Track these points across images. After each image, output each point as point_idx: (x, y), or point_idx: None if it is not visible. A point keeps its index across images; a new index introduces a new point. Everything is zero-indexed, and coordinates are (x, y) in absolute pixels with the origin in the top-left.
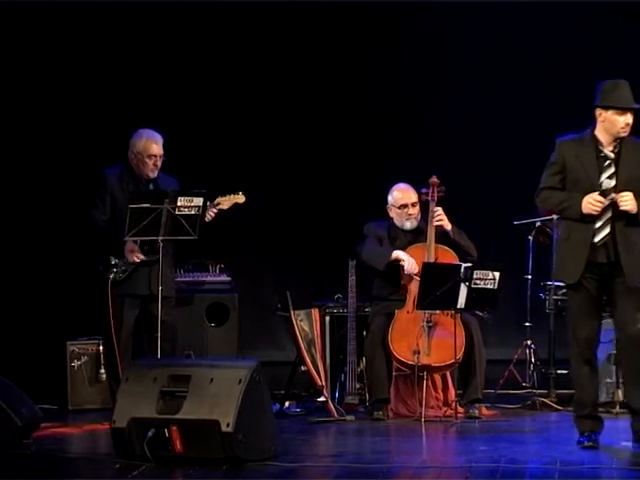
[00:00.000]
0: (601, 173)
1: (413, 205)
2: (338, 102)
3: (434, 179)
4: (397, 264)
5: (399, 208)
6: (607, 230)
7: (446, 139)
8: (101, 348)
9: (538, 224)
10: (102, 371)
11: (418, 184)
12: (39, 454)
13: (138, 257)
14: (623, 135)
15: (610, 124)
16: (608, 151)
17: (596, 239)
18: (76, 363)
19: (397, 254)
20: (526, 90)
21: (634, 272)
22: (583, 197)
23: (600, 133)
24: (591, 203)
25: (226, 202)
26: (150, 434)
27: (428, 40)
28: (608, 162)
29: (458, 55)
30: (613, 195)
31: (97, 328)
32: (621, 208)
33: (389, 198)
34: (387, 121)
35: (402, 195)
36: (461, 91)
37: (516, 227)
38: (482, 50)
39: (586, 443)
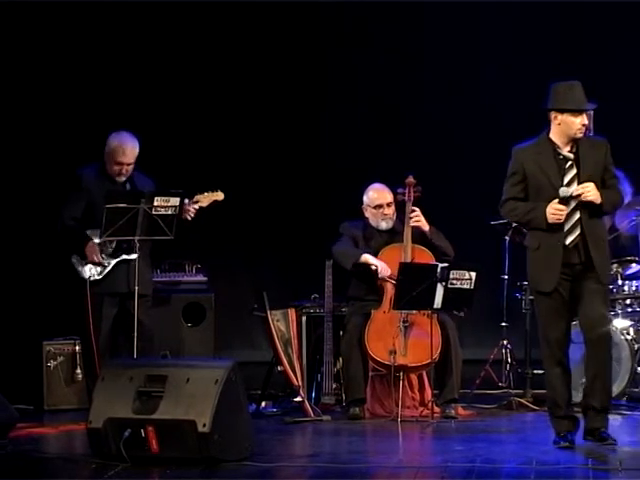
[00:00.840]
0: (563, 176)
1: (388, 205)
2: (319, 101)
3: (410, 179)
4: (367, 267)
5: (374, 208)
6: (577, 232)
7: (424, 139)
8: (77, 348)
9: (514, 224)
10: (78, 371)
11: (395, 184)
12: (15, 454)
13: (97, 258)
14: (579, 136)
15: (566, 126)
16: (566, 152)
17: (567, 241)
18: (52, 363)
19: (366, 258)
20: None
21: (605, 269)
22: (547, 206)
23: (556, 136)
24: (553, 213)
25: (205, 199)
26: (126, 434)
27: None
28: (569, 163)
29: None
30: (576, 188)
31: (74, 328)
32: (586, 199)
33: (364, 198)
34: (366, 121)
35: (377, 195)
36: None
37: (493, 227)
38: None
39: (562, 443)
